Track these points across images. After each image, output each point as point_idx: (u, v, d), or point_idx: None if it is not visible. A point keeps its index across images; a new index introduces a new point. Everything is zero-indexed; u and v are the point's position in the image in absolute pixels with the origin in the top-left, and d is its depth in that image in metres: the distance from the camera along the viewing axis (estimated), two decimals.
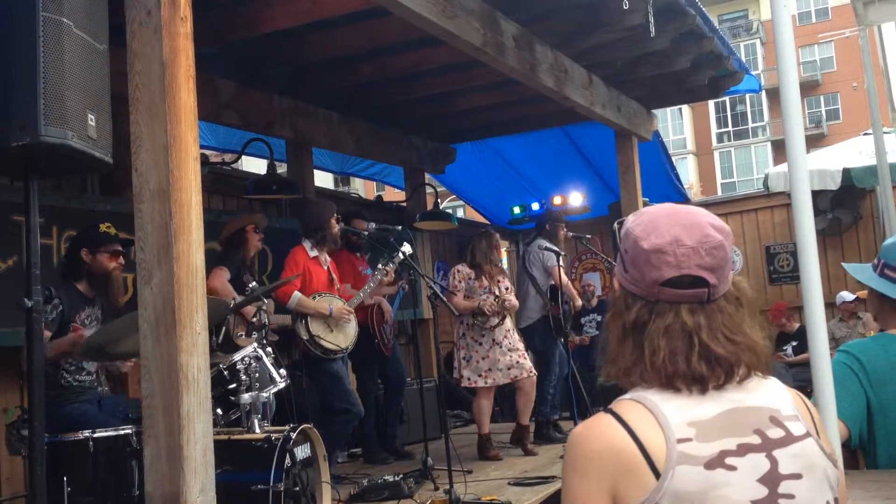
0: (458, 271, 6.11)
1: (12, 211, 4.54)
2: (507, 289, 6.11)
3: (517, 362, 5.92)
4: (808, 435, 1.30)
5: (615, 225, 1.47)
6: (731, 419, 1.27)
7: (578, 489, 1.27)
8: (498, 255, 6.20)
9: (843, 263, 2.66)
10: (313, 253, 5.39)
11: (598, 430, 1.28)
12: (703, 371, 1.29)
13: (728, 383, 1.30)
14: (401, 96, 6.93)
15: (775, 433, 1.28)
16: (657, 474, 1.22)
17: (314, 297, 5.25)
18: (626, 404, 1.30)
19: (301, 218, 5.87)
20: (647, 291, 1.33)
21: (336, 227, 5.47)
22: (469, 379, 5.94)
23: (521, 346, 6.07)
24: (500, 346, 5.91)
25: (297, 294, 5.14)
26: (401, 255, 5.46)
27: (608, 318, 1.42)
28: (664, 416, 1.26)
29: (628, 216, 1.42)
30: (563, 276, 6.58)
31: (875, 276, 2.37)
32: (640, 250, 1.33)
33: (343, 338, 5.31)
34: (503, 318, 5.95)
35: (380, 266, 5.74)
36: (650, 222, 1.35)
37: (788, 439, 1.28)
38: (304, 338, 5.15)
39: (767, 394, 1.33)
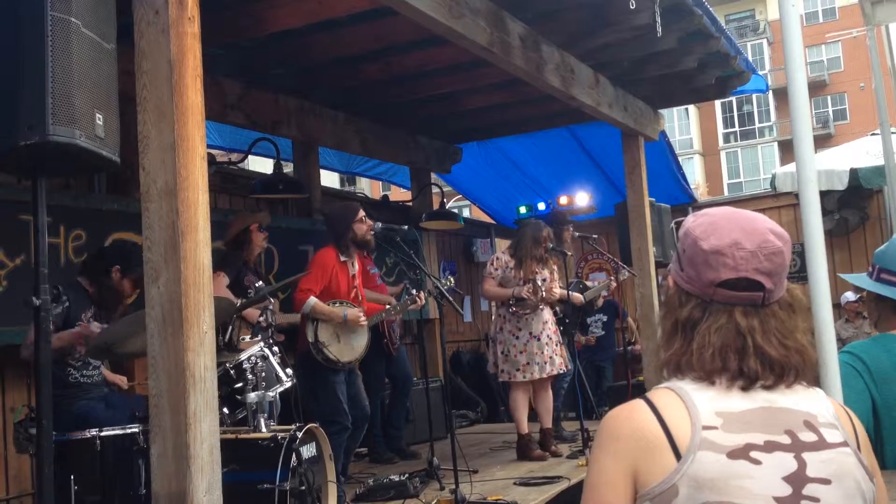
0: (497, 258, 6.09)
1: (20, 210, 4.55)
2: (544, 280, 6.03)
3: (550, 357, 5.91)
4: (844, 444, 1.30)
5: (672, 224, 1.50)
6: (761, 416, 1.28)
7: (601, 466, 1.31)
8: (540, 251, 6.01)
9: (839, 274, 2.66)
10: (343, 258, 5.25)
11: (627, 412, 1.32)
12: (759, 370, 1.30)
13: (777, 385, 1.31)
14: (407, 96, 6.93)
15: (807, 437, 1.28)
16: (679, 457, 1.24)
17: (332, 304, 5.12)
18: (659, 392, 1.33)
19: (327, 226, 5.67)
20: (703, 291, 1.35)
21: (364, 227, 5.26)
22: (508, 373, 5.90)
23: (556, 337, 6.00)
24: (538, 340, 5.90)
25: (311, 300, 4.99)
26: (441, 286, 5.37)
27: (661, 313, 1.44)
28: (693, 404, 1.28)
29: (688, 216, 1.43)
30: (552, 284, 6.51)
31: (872, 282, 2.38)
32: (699, 250, 1.34)
33: (349, 351, 5.16)
34: (537, 308, 5.86)
35: (413, 292, 5.58)
36: (711, 224, 1.36)
37: (821, 444, 1.28)
38: (311, 340, 5.05)
39: (807, 400, 1.33)
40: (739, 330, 1.31)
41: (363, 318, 5.18)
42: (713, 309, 1.34)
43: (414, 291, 5.59)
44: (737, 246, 1.32)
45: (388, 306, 5.59)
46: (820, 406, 1.33)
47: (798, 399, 1.32)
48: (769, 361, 1.30)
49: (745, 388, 1.30)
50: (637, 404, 1.32)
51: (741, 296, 1.32)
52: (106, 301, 4.12)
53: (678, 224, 1.45)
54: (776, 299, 1.34)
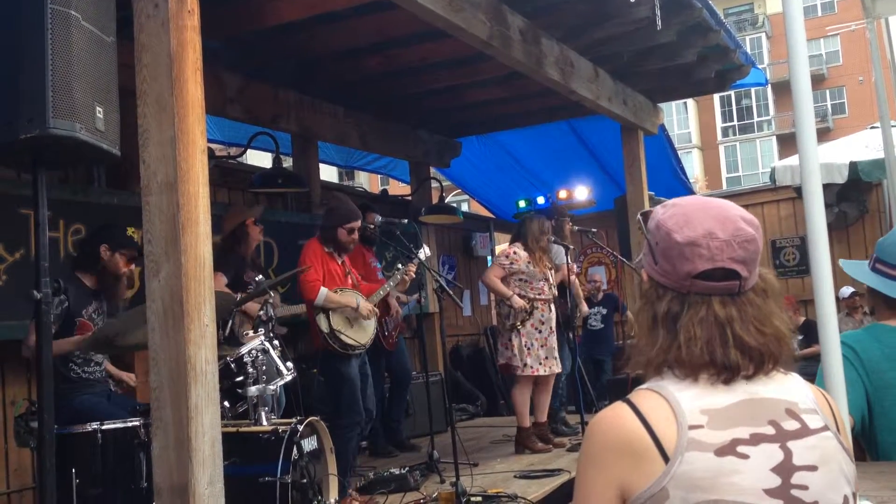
0: (515, 252, 5.99)
1: (20, 204, 4.55)
2: (551, 286, 6.08)
3: (556, 355, 5.98)
4: (825, 428, 1.30)
5: (639, 216, 1.46)
6: (745, 409, 1.28)
7: (587, 478, 1.30)
8: (545, 243, 6.08)
9: (840, 261, 2.67)
10: (327, 249, 5.24)
11: (612, 419, 1.30)
12: (739, 361, 1.29)
13: (757, 374, 1.31)
14: (406, 90, 6.92)
15: (790, 425, 1.28)
16: (667, 460, 1.23)
17: (336, 292, 5.11)
18: (642, 393, 1.32)
19: (324, 214, 5.63)
20: (679, 283, 1.34)
21: (349, 239, 5.21)
22: (531, 367, 5.86)
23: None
24: (553, 334, 5.96)
25: (324, 290, 4.98)
26: (421, 255, 5.45)
27: (637, 309, 1.42)
28: (678, 404, 1.27)
29: (655, 208, 1.41)
30: (573, 277, 6.55)
31: (868, 271, 2.39)
32: (674, 243, 1.33)
33: (363, 334, 5.18)
34: (524, 321, 5.87)
35: (399, 266, 5.67)
36: (683, 215, 1.35)
37: (804, 431, 1.28)
38: (325, 331, 5.00)
39: (786, 387, 1.33)
40: (718, 320, 1.30)
41: (373, 309, 5.22)
42: (691, 301, 1.33)
43: (399, 266, 5.64)
44: (711, 236, 1.31)
45: (384, 285, 5.59)
46: (799, 392, 1.34)
47: (778, 387, 1.32)
48: (748, 350, 1.30)
49: (727, 382, 1.29)
50: (621, 409, 1.30)
51: (718, 286, 1.31)
52: (106, 285, 4.12)
53: (645, 216, 1.45)
54: (751, 286, 1.34)
